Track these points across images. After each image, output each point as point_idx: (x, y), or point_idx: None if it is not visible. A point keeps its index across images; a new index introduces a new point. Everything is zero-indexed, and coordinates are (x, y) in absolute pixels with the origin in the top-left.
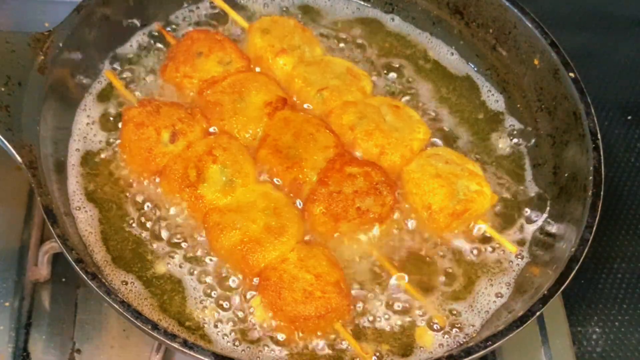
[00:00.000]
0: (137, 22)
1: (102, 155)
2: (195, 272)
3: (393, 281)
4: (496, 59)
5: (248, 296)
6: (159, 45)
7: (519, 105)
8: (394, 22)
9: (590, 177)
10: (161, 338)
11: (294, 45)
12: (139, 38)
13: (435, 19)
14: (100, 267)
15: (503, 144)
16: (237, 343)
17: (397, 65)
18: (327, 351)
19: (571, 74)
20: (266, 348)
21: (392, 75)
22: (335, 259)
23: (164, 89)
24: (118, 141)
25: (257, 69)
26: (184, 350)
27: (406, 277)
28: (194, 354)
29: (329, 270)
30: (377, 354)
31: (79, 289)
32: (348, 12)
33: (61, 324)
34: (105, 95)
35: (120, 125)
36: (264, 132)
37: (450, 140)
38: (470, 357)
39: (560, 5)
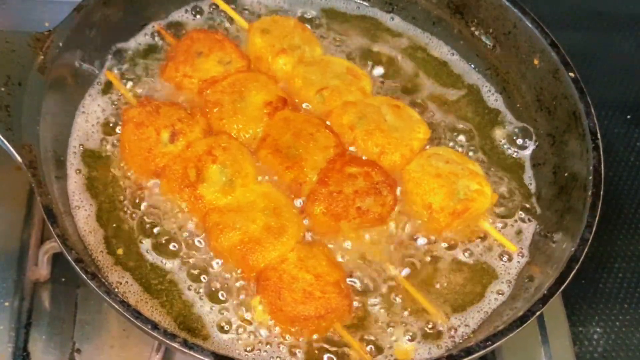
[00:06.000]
0: (137, 22)
1: (102, 155)
2: (195, 272)
3: (393, 281)
4: (496, 59)
5: (248, 296)
6: (159, 45)
7: (518, 105)
8: (394, 22)
9: (590, 177)
10: (161, 338)
11: (294, 45)
12: (139, 38)
13: (435, 19)
14: (100, 267)
15: (503, 144)
16: (237, 343)
17: (398, 65)
18: (328, 351)
19: (571, 74)
20: (266, 347)
21: (392, 75)
22: (335, 259)
23: (164, 89)
24: (118, 141)
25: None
26: (184, 350)
27: (407, 276)
28: (194, 354)
29: (329, 270)
30: (379, 353)
31: (79, 289)
32: (348, 11)
33: (61, 324)
34: (105, 95)
35: (120, 125)
36: (264, 132)
37: (450, 139)
38: (470, 357)
39: (560, 5)
